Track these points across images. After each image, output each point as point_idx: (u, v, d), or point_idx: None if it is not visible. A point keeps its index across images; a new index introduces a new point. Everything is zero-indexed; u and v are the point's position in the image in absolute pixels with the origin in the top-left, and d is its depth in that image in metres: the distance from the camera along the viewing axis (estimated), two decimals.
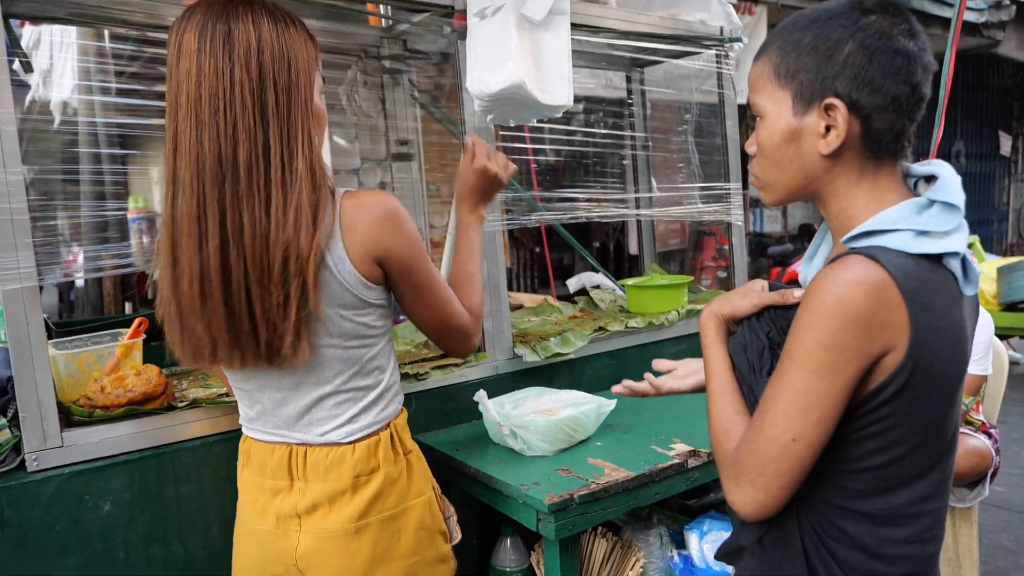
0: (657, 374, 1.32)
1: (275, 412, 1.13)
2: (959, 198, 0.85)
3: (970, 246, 5.70)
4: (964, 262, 0.86)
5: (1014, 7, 7.32)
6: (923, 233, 0.84)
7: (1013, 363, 5.66)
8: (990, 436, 2.23)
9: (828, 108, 0.86)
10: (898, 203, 0.87)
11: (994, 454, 2.18)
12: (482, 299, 1.28)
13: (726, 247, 2.78)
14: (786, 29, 0.91)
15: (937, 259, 0.84)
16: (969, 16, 7.04)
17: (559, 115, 1.57)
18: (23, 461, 1.28)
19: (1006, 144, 10.41)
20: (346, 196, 1.06)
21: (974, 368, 2.14)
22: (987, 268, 5.23)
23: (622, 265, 6.16)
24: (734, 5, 5.79)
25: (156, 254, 1.08)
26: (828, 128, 0.87)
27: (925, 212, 0.85)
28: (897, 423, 0.83)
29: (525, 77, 1.40)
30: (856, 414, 0.84)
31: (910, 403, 0.82)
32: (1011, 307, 5.00)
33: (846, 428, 0.84)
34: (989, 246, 9.89)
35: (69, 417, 1.36)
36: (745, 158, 1.31)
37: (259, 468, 1.15)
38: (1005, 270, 5.01)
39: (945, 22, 6.86)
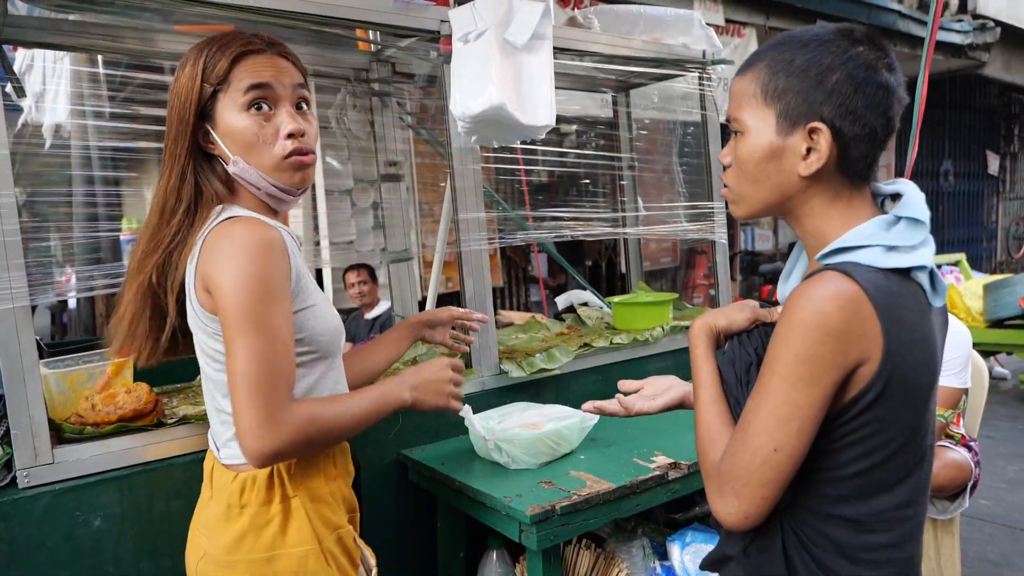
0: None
1: (209, 414, 1.18)
2: (924, 214, 0.89)
3: (957, 264, 5.78)
4: (932, 275, 0.90)
5: (999, 29, 7.47)
6: (892, 248, 0.87)
7: (1000, 379, 5.71)
8: (970, 449, 2.26)
9: (812, 131, 0.89)
10: (868, 220, 0.90)
11: (973, 467, 2.20)
12: (323, 427, 1.05)
13: None
14: (776, 49, 0.92)
15: (906, 273, 0.88)
16: (954, 38, 7.18)
17: (541, 136, 1.61)
18: (14, 478, 1.30)
19: (994, 163, 10.56)
20: (222, 223, 1.08)
21: (952, 381, 2.18)
22: (974, 286, 5.30)
23: (614, 283, 6.21)
24: (723, 27, 5.87)
25: None
26: (809, 150, 0.90)
27: (893, 228, 0.89)
28: (875, 431, 0.86)
29: (506, 99, 1.45)
30: (835, 423, 0.87)
31: (886, 411, 0.85)
32: (997, 324, 5.06)
33: (827, 438, 0.87)
34: (978, 264, 9.98)
35: (60, 434, 1.38)
36: None
37: (204, 473, 1.20)
38: (991, 287, 5.08)
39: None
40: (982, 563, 2.87)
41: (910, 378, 0.86)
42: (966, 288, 5.33)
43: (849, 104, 0.88)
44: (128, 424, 1.41)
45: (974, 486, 2.25)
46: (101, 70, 2.18)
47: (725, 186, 1.00)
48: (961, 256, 5.87)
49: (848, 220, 0.92)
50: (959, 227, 10.17)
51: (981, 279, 5.42)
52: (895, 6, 6.39)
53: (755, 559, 0.95)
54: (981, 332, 5.11)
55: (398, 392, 1.18)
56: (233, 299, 1.00)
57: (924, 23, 6.67)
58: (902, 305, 0.85)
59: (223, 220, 1.08)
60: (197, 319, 1.10)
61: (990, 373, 5.72)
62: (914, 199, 0.91)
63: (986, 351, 5.33)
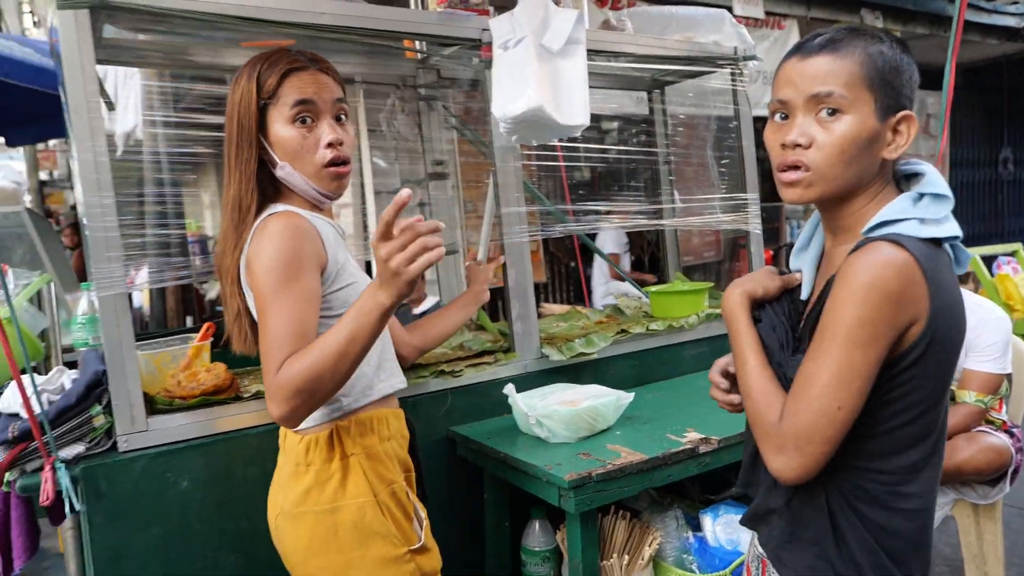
0: None
1: None
2: (947, 189, 0.98)
3: (1014, 254, 5.63)
4: (955, 246, 0.99)
5: None
6: (924, 221, 0.96)
7: None
8: (1012, 435, 2.27)
9: (903, 120, 0.98)
10: (896, 198, 0.99)
11: (1015, 453, 2.22)
12: (308, 376, 1.09)
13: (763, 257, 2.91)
14: (864, 39, 0.97)
15: (938, 243, 0.96)
16: (1009, 21, 6.98)
17: (577, 134, 1.73)
18: (115, 443, 1.49)
19: None
20: (265, 218, 1.24)
21: (991, 367, 2.21)
22: None
23: (658, 278, 6.25)
24: (763, 20, 5.85)
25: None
26: (894, 136, 0.98)
27: (919, 203, 0.98)
28: (915, 387, 0.94)
29: (543, 101, 1.57)
30: (881, 380, 0.93)
31: (927, 368, 0.94)
32: None
33: (872, 395, 0.94)
34: None
35: (152, 406, 1.57)
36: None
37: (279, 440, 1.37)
38: None
39: (984, 28, 6.82)
40: None
41: (949, 337, 0.94)
42: (1022, 279, 5.19)
43: (914, 98, 1.00)
44: (209, 398, 1.58)
45: (1015, 472, 2.27)
46: (169, 84, 2.39)
47: (797, 169, 0.98)
48: (1018, 246, 5.71)
49: (884, 199, 1.00)
50: (1020, 216, 9.82)
51: None
52: None
53: (796, 511, 1.02)
54: None
55: (367, 298, 1.10)
56: (262, 278, 1.16)
57: (974, 6, 6.51)
58: (941, 271, 0.94)
59: (266, 216, 1.24)
60: (250, 302, 1.27)
61: None
62: (935, 177, 1.00)
63: None
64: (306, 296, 1.16)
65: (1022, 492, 3.35)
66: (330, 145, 1.27)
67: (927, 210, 0.97)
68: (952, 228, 0.97)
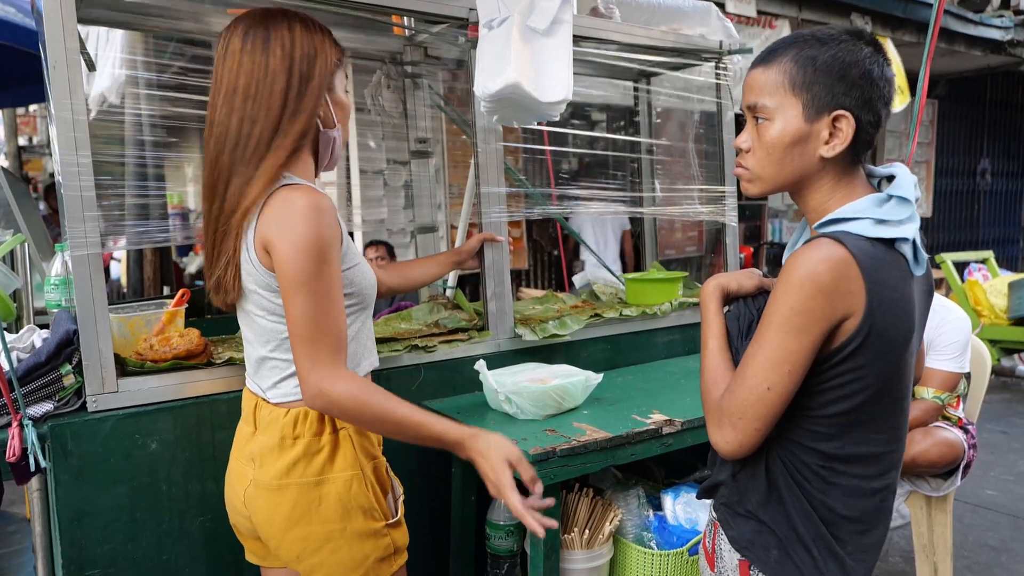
0: None
1: (249, 361, 1.33)
2: (911, 193, 1.02)
3: (984, 261, 5.76)
4: (915, 247, 1.03)
5: None
6: (881, 221, 1.01)
7: (1022, 377, 5.68)
8: (966, 431, 2.35)
9: (837, 119, 1.01)
10: (863, 197, 1.04)
11: (967, 448, 2.30)
12: (353, 409, 1.16)
13: (743, 256, 2.95)
14: (797, 46, 1.04)
15: (891, 243, 1.01)
16: (994, 34, 7.08)
17: (557, 115, 1.75)
18: (84, 403, 1.50)
19: None
20: (281, 188, 1.19)
21: (950, 365, 2.27)
22: (999, 283, 5.29)
23: (640, 269, 6.30)
24: (755, 18, 5.90)
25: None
26: (830, 135, 1.03)
27: (885, 205, 1.02)
28: (855, 377, 1.00)
29: (521, 78, 1.58)
30: (821, 368, 1.01)
31: (865, 360, 0.99)
32: (1020, 321, 5.05)
33: (812, 380, 1.01)
34: (1014, 264, 9.82)
35: (124, 368, 1.57)
36: None
37: (242, 412, 1.35)
38: (1015, 285, 5.07)
39: (970, 39, 6.91)
40: (982, 548, 2.95)
41: (888, 332, 0.99)
42: (991, 286, 5.32)
43: (865, 95, 1.01)
44: (182, 362, 1.59)
45: (967, 466, 2.34)
46: (152, 43, 2.36)
47: (742, 168, 1.10)
48: (989, 254, 5.84)
49: (847, 196, 1.05)
50: (995, 226, 10.00)
51: (1007, 277, 5.40)
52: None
53: (742, 483, 1.11)
54: (1004, 330, 5.11)
55: (459, 434, 1.19)
56: (293, 260, 1.13)
57: (961, 17, 6.60)
58: (884, 269, 0.99)
59: (283, 186, 1.19)
60: (257, 274, 1.20)
61: (1013, 372, 5.70)
62: (904, 180, 1.04)
63: (1009, 349, 5.32)
64: (339, 279, 1.19)
65: (974, 489, 3.46)
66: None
67: (889, 211, 1.01)
68: (905, 231, 1.00)
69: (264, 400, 1.29)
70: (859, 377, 1.00)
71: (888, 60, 1.04)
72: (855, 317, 0.97)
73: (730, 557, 1.13)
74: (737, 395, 1.01)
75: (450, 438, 1.21)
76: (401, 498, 1.36)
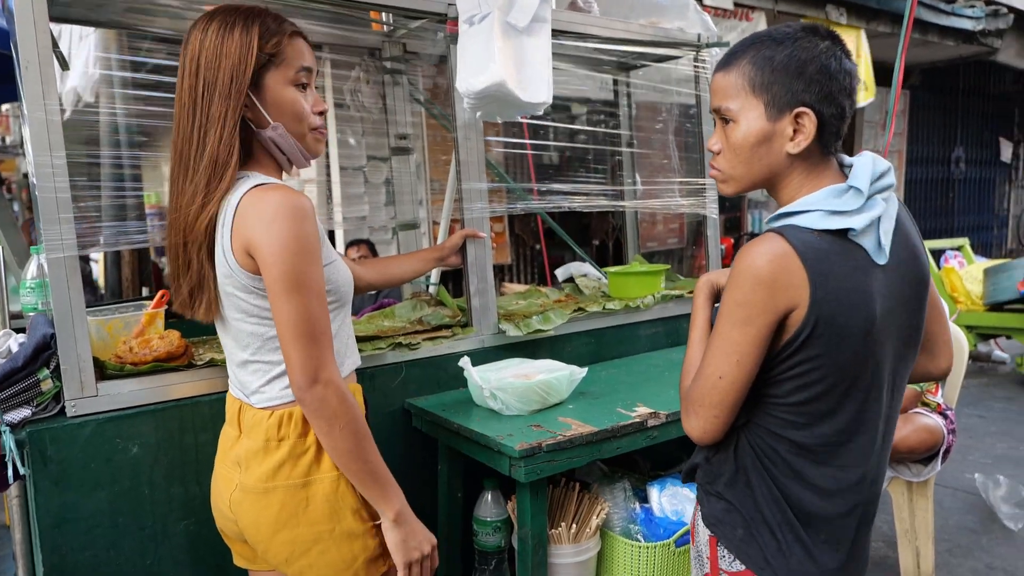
0: None
1: (231, 367, 1.32)
2: (864, 183, 1.03)
3: (959, 249, 5.85)
4: (880, 237, 1.04)
5: (1012, 15, 7.43)
6: (833, 213, 1.02)
7: (999, 362, 5.79)
8: (945, 417, 2.39)
9: (799, 116, 1.03)
10: (819, 190, 1.05)
11: (947, 433, 2.34)
12: (337, 417, 1.16)
13: (724, 247, 2.97)
14: (754, 47, 1.06)
15: (843, 233, 1.02)
16: (965, 24, 7.17)
17: (539, 112, 1.75)
18: (63, 408, 1.48)
19: (1007, 150, 10.52)
20: (253, 189, 1.17)
21: None
22: (974, 270, 5.39)
23: (621, 262, 6.33)
24: (732, 11, 5.92)
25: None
26: (795, 132, 1.05)
27: (843, 195, 1.03)
28: (811, 367, 1.02)
29: (506, 77, 1.58)
30: (777, 359, 1.03)
31: (818, 350, 1.01)
32: (996, 307, 5.15)
33: (772, 371, 1.04)
34: (988, 251, 9.99)
35: (103, 371, 1.55)
36: None
37: (226, 416, 1.34)
38: (991, 271, 5.16)
39: (943, 29, 7.00)
40: (963, 531, 3.01)
41: (839, 321, 1.01)
42: (967, 272, 5.41)
43: (825, 89, 1.03)
44: (162, 364, 1.57)
45: (947, 452, 2.38)
46: (126, 43, 2.32)
47: (715, 169, 1.13)
48: (964, 241, 5.94)
49: (814, 189, 1.07)
50: (969, 214, 10.16)
51: (982, 263, 5.50)
52: None
53: (715, 466, 1.15)
54: (980, 316, 5.21)
55: (398, 502, 1.22)
56: (280, 261, 1.11)
57: (935, 8, 6.68)
58: (831, 260, 1.00)
59: (254, 187, 1.17)
60: (236, 279, 1.18)
61: (989, 357, 5.81)
62: (860, 170, 1.05)
63: (986, 335, 5.42)
64: (323, 277, 1.18)
65: (954, 473, 3.53)
66: (319, 113, 1.29)
67: (843, 202, 1.02)
68: (855, 221, 1.01)
69: (248, 404, 1.28)
70: (816, 367, 1.02)
71: (847, 52, 1.05)
72: (800, 308, 0.99)
73: (703, 532, 1.18)
74: (696, 384, 1.07)
75: (391, 496, 1.22)
76: None
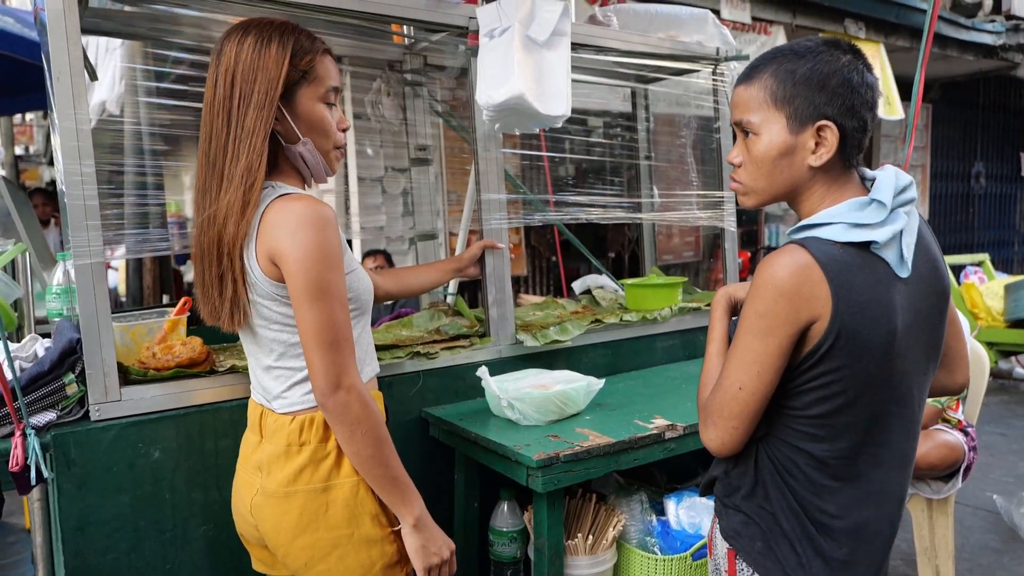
0: None
1: (254, 373, 1.33)
2: (887, 197, 1.03)
3: (980, 264, 5.78)
4: (902, 249, 1.03)
5: None
6: (856, 225, 1.02)
7: (1021, 380, 5.70)
8: (966, 434, 2.35)
9: (821, 129, 1.04)
10: (842, 202, 1.05)
11: (967, 450, 2.30)
12: (359, 422, 1.17)
13: (740, 260, 2.97)
14: (776, 61, 1.07)
15: (866, 246, 1.02)
16: (986, 39, 7.14)
17: (558, 124, 1.76)
18: (87, 412, 1.50)
19: None
20: (278, 199, 1.19)
21: None
22: (995, 286, 5.32)
23: (637, 275, 6.32)
24: (750, 25, 5.93)
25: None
26: (817, 145, 1.05)
27: (866, 208, 1.04)
28: (833, 379, 1.02)
29: (525, 90, 1.60)
30: (798, 371, 1.03)
31: (840, 362, 1.01)
32: (1017, 324, 5.07)
33: (793, 383, 1.04)
34: (1010, 267, 9.86)
35: (127, 376, 1.57)
36: None
37: (248, 422, 1.35)
38: (1012, 288, 5.09)
39: (963, 44, 6.96)
40: (984, 550, 2.96)
41: (862, 334, 1.00)
42: (987, 288, 5.34)
43: (847, 103, 1.03)
44: (184, 370, 1.59)
45: (968, 469, 2.35)
46: (151, 53, 2.36)
47: (737, 182, 1.13)
48: (985, 257, 5.87)
49: (836, 201, 1.07)
50: (990, 229, 10.05)
51: (1002, 279, 5.43)
52: (924, 5, 6.38)
53: (734, 479, 1.14)
54: (1001, 332, 5.13)
55: (418, 507, 1.24)
56: (303, 269, 1.13)
57: (953, 23, 6.65)
58: (853, 272, 1.00)
59: (279, 197, 1.19)
60: (261, 287, 1.20)
61: (1011, 375, 5.72)
62: (883, 184, 1.05)
63: (1007, 351, 5.34)
64: (344, 288, 1.20)
65: (975, 491, 3.47)
66: (343, 130, 1.32)
67: (866, 215, 1.02)
68: (878, 234, 1.01)
69: (270, 409, 1.29)
70: (837, 379, 1.01)
71: (868, 66, 1.06)
72: (822, 320, 0.99)
73: (721, 546, 1.17)
74: (716, 395, 1.06)
75: (411, 501, 1.24)
76: None
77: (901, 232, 1.03)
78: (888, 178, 1.06)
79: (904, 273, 1.04)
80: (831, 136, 1.03)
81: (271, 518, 1.25)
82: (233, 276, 1.21)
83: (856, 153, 1.07)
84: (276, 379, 1.27)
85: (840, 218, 1.03)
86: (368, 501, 1.25)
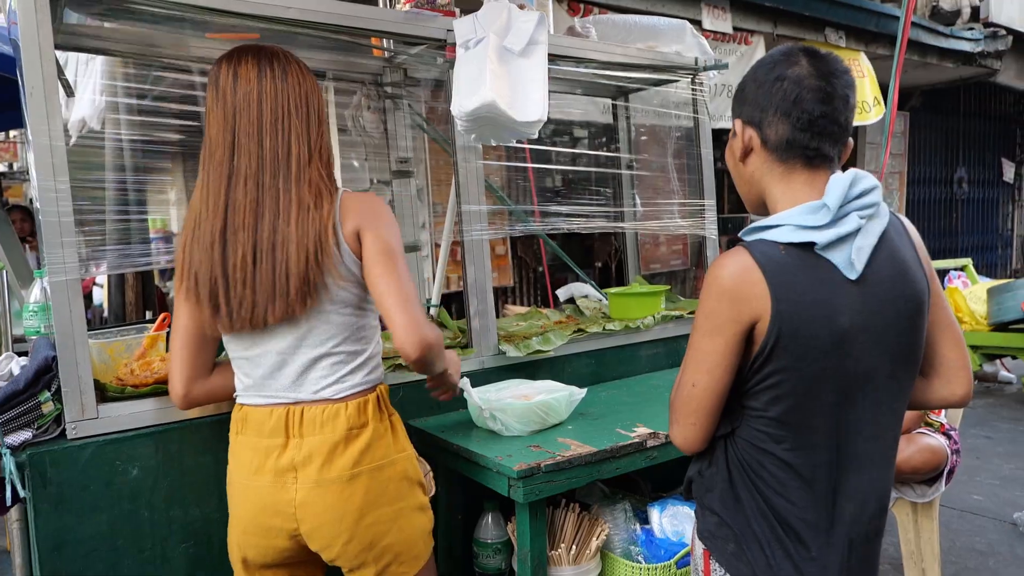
0: None
1: (274, 376, 1.34)
2: (833, 200, 1.04)
3: (963, 269, 5.84)
4: (852, 252, 1.03)
5: (1010, 37, 7.50)
6: (801, 227, 1.04)
7: (1005, 383, 5.75)
8: (949, 437, 2.37)
9: (738, 127, 1.13)
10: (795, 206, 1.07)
11: (950, 453, 2.32)
12: (438, 347, 1.37)
13: None
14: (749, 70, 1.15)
15: (810, 247, 1.03)
16: (965, 46, 7.23)
17: (533, 133, 1.77)
18: (64, 430, 1.48)
19: (1009, 171, 10.54)
20: (346, 193, 1.37)
21: None
22: (978, 290, 5.36)
23: (624, 285, 6.34)
24: (731, 35, 5.99)
25: (179, 263, 1.34)
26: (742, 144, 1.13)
27: (818, 212, 1.04)
28: (781, 379, 1.04)
29: (496, 97, 1.60)
30: (750, 371, 1.06)
31: (786, 361, 1.03)
32: (1000, 327, 5.11)
33: (748, 383, 1.07)
34: (993, 272, 9.95)
35: (104, 393, 1.56)
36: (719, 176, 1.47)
37: (256, 431, 1.35)
38: (994, 292, 5.14)
39: (942, 51, 7.06)
40: (970, 552, 2.97)
41: (803, 333, 1.02)
42: (971, 292, 5.39)
43: (758, 102, 1.09)
44: (163, 386, 1.57)
45: (951, 472, 2.36)
46: (132, 71, 2.35)
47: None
48: (968, 261, 5.93)
49: (794, 204, 1.08)
50: (973, 234, 10.15)
51: (985, 283, 5.48)
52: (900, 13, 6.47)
53: (707, 480, 1.15)
54: (985, 335, 5.17)
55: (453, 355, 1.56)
56: (391, 239, 1.32)
57: (932, 31, 6.74)
58: (794, 273, 1.02)
59: (344, 191, 1.37)
60: (347, 268, 1.31)
61: (995, 377, 5.76)
62: (832, 187, 1.06)
63: (992, 355, 5.38)
64: None
65: (961, 494, 3.49)
66: None
67: (813, 218, 1.03)
68: (818, 236, 1.02)
69: (308, 404, 1.33)
70: (787, 379, 1.03)
71: (830, 71, 1.06)
72: (763, 320, 1.02)
73: (698, 547, 1.18)
74: (676, 394, 1.11)
75: (454, 356, 1.56)
76: (431, 474, 1.57)
77: (853, 234, 1.04)
78: (838, 182, 1.05)
79: (853, 275, 1.04)
80: (740, 132, 1.11)
81: (334, 506, 1.29)
82: (319, 261, 1.29)
83: (799, 154, 1.08)
84: (332, 366, 1.33)
85: (789, 220, 1.05)
86: (416, 470, 1.40)
